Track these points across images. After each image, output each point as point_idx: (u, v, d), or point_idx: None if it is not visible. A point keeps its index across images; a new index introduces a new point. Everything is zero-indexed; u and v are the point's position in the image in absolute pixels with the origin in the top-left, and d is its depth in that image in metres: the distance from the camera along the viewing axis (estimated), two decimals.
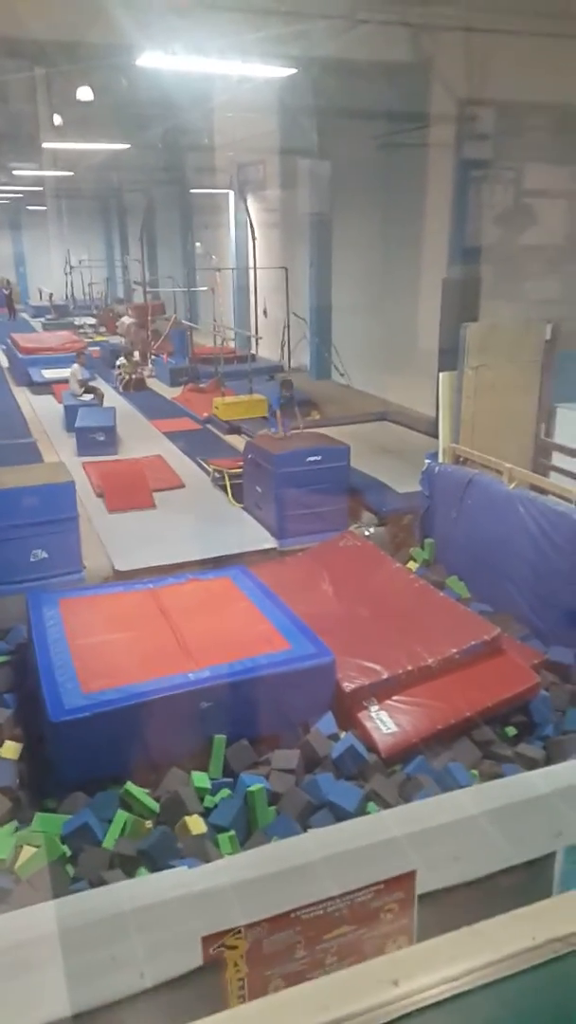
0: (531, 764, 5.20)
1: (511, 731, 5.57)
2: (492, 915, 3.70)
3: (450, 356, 8.26)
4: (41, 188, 25.76)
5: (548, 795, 3.56)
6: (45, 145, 15.65)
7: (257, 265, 17.09)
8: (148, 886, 2.99)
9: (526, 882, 3.70)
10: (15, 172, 21.62)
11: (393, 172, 13.29)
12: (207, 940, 2.96)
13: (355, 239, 15.49)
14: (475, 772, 5.09)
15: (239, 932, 2.99)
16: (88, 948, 2.78)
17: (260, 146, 17.66)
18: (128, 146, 17.98)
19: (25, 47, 9.58)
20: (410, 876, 3.31)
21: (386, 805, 4.74)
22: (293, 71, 9.94)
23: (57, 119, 13.92)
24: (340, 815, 4.59)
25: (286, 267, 17.47)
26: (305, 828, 4.60)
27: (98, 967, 2.75)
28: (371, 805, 4.74)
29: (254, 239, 17.30)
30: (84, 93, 12.01)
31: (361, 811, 4.64)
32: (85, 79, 11.63)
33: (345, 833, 3.28)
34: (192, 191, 23.90)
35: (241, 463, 9.71)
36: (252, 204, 19.61)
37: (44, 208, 29.14)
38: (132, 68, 9.02)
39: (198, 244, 24.10)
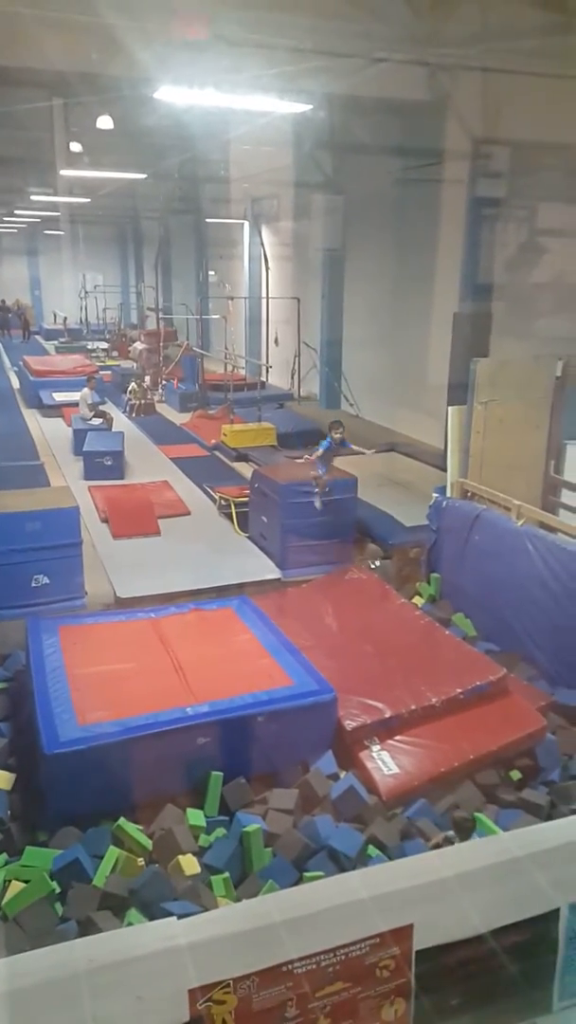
0: (535, 810, 5.07)
1: (516, 775, 5.44)
2: (493, 973, 3.54)
3: (460, 390, 8.23)
4: (58, 213, 26.14)
5: (552, 850, 3.43)
6: (63, 172, 15.85)
7: (270, 295, 17.22)
8: (133, 937, 2.86)
9: (529, 938, 3.55)
10: (33, 197, 21.92)
11: (406, 207, 13.41)
12: (194, 993, 2.83)
13: (367, 272, 15.59)
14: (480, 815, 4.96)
15: (227, 985, 2.87)
16: (69, 1001, 2.66)
17: (275, 179, 17.87)
18: (145, 175, 18.23)
19: (46, 77, 9.73)
20: (407, 930, 3.18)
21: (386, 850, 4.62)
22: (309, 107, 10.05)
23: (75, 147, 14.11)
24: (340, 861, 4.47)
25: (298, 298, 17.60)
26: (301, 872, 4.47)
27: (80, 1021, 2.62)
28: (371, 849, 4.61)
29: (267, 269, 17.45)
30: (103, 122, 12.18)
31: (362, 857, 4.52)
32: (104, 109, 11.80)
33: (341, 886, 3.15)
34: (207, 221, 24.19)
35: (248, 491, 9.67)
36: (266, 235, 19.82)
37: (61, 233, 29.55)
38: (150, 100, 9.12)
39: (212, 273, 24.34)
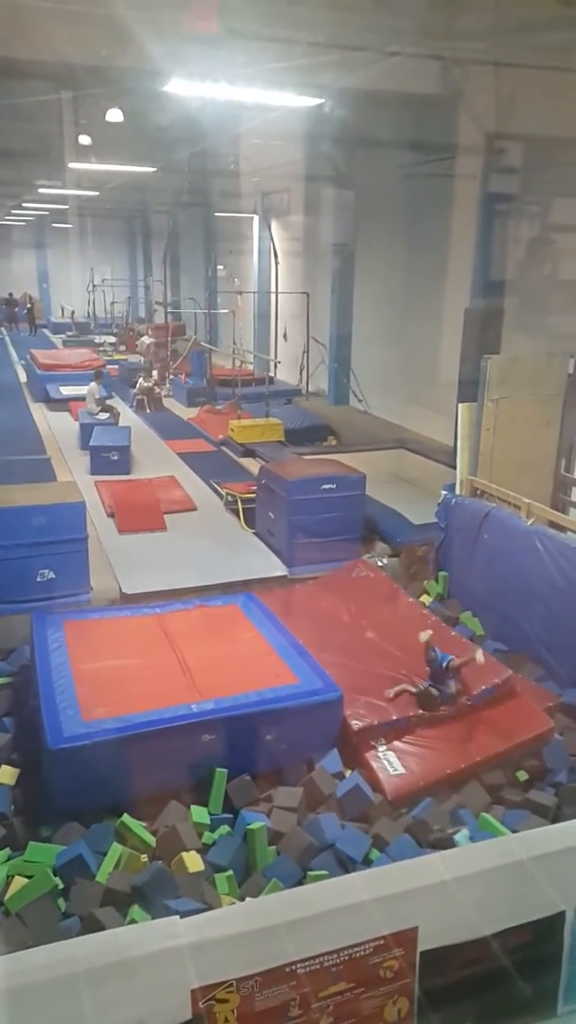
0: (542, 811, 5.03)
1: (522, 776, 5.40)
2: (497, 976, 3.50)
3: (470, 387, 8.17)
4: (66, 207, 26.09)
5: (558, 852, 3.40)
6: (71, 165, 15.80)
7: (279, 290, 17.14)
8: (136, 936, 2.85)
9: (534, 941, 3.52)
10: (41, 190, 21.87)
11: (418, 202, 13.32)
12: (196, 992, 2.81)
13: (378, 267, 15.51)
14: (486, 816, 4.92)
15: (231, 985, 2.85)
16: (71, 999, 2.64)
17: (286, 173, 17.79)
18: (154, 169, 18.17)
19: (55, 69, 9.67)
20: (412, 932, 3.15)
21: (386, 848, 4.59)
22: (320, 101, 9.98)
23: (84, 139, 14.06)
24: (345, 863, 4.44)
25: (308, 293, 17.53)
26: (306, 871, 4.45)
27: (82, 1019, 2.61)
28: (374, 852, 4.57)
29: (277, 264, 17.37)
30: (112, 115, 12.11)
31: (367, 859, 4.49)
32: (113, 102, 11.74)
33: (346, 887, 3.12)
34: (217, 215, 24.13)
35: (254, 488, 9.63)
36: (276, 230, 19.73)
37: (69, 226, 29.52)
38: (160, 93, 9.07)
39: (221, 267, 24.27)
